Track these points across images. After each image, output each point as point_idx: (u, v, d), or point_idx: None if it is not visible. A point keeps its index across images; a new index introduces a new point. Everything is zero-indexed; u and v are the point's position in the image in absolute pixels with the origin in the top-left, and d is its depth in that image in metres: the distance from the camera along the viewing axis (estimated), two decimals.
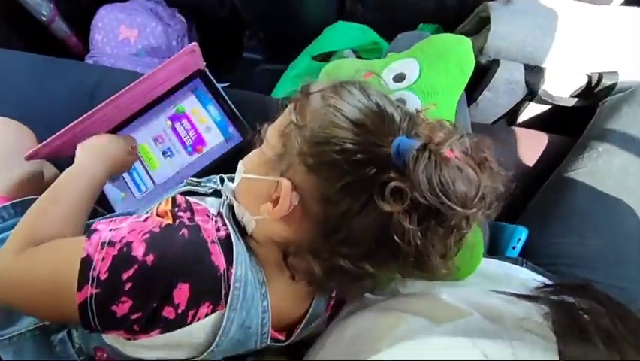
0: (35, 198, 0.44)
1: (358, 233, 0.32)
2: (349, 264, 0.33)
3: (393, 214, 0.30)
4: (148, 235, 0.34)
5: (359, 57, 0.80)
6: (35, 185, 0.55)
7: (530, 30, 0.64)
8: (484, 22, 0.67)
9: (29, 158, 0.54)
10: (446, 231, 0.32)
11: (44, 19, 0.86)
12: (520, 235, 0.57)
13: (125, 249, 0.33)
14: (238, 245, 0.37)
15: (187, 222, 0.36)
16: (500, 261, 0.52)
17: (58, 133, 0.54)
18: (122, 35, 0.91)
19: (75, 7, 0.94)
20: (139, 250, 0.33)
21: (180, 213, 0.37)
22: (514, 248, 0.57)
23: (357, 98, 0.34)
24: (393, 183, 0.29)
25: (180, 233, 0.35)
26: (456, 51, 0.55)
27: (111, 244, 0.34)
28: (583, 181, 0.57)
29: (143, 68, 0.90)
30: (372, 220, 0.31)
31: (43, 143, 0.54)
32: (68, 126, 0.53)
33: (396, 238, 0.30)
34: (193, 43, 0.63)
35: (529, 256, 0.53)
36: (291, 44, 0.86)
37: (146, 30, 0.90)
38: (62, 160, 0.58)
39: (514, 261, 0.53)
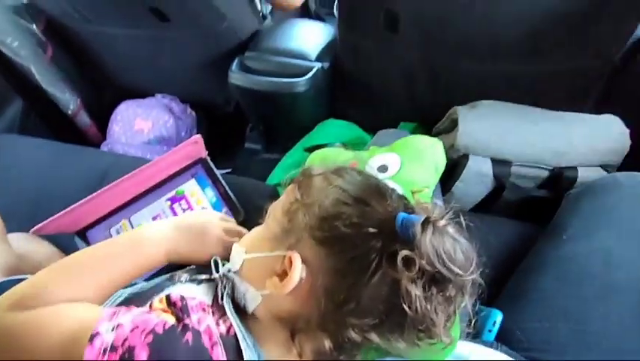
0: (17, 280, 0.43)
1: (367, 302, 0.34)
2: (358, 335, 0.35)
3: (401, 282, 0.33)
4: (151, 338, 0.33)
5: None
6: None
7: (494, 130, 0.72)
8: (455, 123, 0.76)
9: (36, 232, 0.59)
10: (446, 299, 0.35)
11: (70, 112, 0.98)
12: (495, 318, 0.58)
13: (127, 355, 0.32)
14: (244, 343, 0.36)
15: (190, 325, 0.35)
16: (476, 344, 0.53)
17: (65, 210, 0.60)
18: (137, 126, 1.02)
19: (99, 102, 1.07)
20: (141, 356, 0.32)
21: (179, 314, 0.36)
22: (490, 331, 0.58)
23: (357, 178, 0.39)
24: (404, 252, 0.33)
25: (184, 340, 0.33)
26: (430, 152, 0.64)
27: (113, 349, 0.32)
28: (551, 267, 0.60)
29: (152, 155, 1.00)
30: (380, 289, 0.34)
31: (50, 218, 0.59)
32: (75, 205, 0.59)
33: (404, 305, 0.33)
34: (197, 135, 0.72)
35: (503, 340, 0.55)
36: (287, 137, 0.96)
37: (159, 123, 1.01)
38: (64, 237, 0.63)
39: (489, 344, 0.54)
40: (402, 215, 0.35)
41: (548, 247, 0.63)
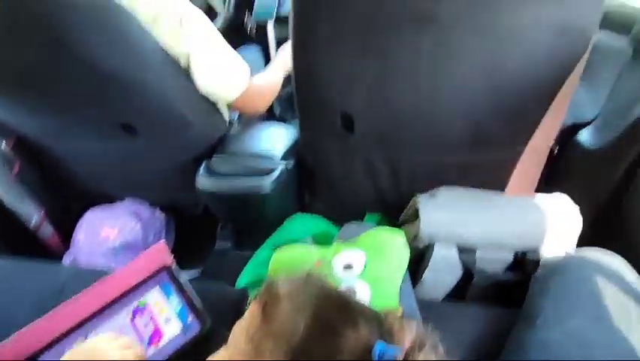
0: None
1: None
2: None
3: None
4: None
5: (317, 242, 0.90)
6: None
7: (455, 217, 0.75)
8: (418, 212, 0.79)
9: None
10: None
11: (32, 225, 0.96)
12: None
13: None
14: None
15: None
16: None
17: (11, 337, 0.55)
18: (103, 234, 1.00)
19: (65, 211, 1.06)
20: None
21: None
22: None
23: (327, 298, 0.37)
24: None
25: None
26: (393, 245, 0.65)
27: None
28: (531, 355, 0.58)
29: (118, 263, 0.97)
30: None
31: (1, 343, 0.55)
32: (24, 329, 0.55)
33: None
34: (161, 242, 0.71)
35: None
36: (257, 234, 0.96)
37: (125, 229, 1.00)
38: None
39: None
40: (379, 346, 0.33)
41: (525, 334, 0.62)
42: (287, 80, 1.04)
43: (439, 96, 0.72)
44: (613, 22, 0.85)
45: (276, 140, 0.96)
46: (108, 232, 1.00)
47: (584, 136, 0.82)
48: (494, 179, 0.84)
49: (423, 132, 0.79)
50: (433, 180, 0.83)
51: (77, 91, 0.76)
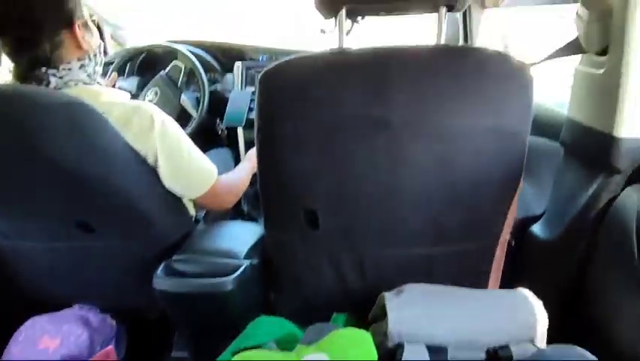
0: None
1: None
2: None
3: None
4: None
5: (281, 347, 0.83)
6: None
7: (423, 315, 0.73)
8: (385, 311, 0.76)
9: None
10: None
11: None
12: None
13: None
14: None
15: None
16: None
17: None
18: (42, 345, 0.89)
19: (4, 321, 0.95)
20: None
21: None
22: None
23: None
24: None
25: None
26: (358, 346, 0.62)
27: None
28: None
29: None
30: None
31: None
32: None
33: None
34: (109, 348, 0.64)
35: None
36: (217, 342, 0.89)
37: (69, 338, 0.90)
38: None
39: None
40: None
41: None
42: (255, 178, 1.07)
43: (399, 191, 0.76)
44: (542, 128, 0.97)
45: (240, 238, 0.95)
46: (48, 342, 0.90)
47: (537, 230, 0.87)
48: (460, 272, 0.85)
49: (387, 226, 0.81)
50: (400, 274, 0.82)
51: (35, 188, 0.75)
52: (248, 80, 1.66)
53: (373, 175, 0.75)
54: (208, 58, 1.71)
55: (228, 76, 1.73)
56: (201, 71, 1.53)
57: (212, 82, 1.67)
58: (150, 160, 0.84)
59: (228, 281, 0.82)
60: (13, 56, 0.82)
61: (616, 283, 0.71)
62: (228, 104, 1.56)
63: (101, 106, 0.78)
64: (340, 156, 0.74)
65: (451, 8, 0.72)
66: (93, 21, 0.88)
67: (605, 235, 0.73)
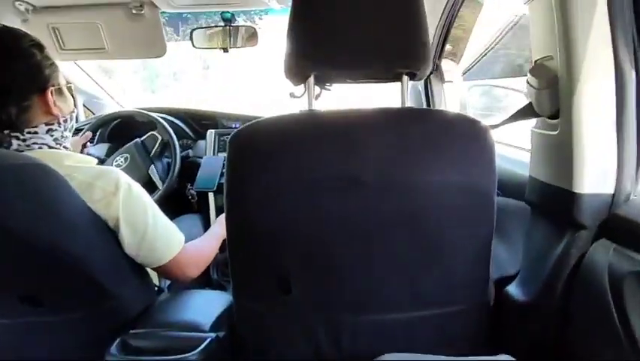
0: None
1: None
2: None
3: None
4: None
5: None
6: None
7: None
8: None
9: None
10: None
11: None
12: None
13: None
14: None
15: None
16: None
17: None
18: None
19: None
20: None
21: None
22: None
23: None
24: None
25: None
26: None
27: None
28: None
29: None
30: None
31: None
32: None
33: None
34: None
35: None
36: None
37: None
38: None
39: None
40: None
41: None
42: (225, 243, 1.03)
43: (374, 253, 0.74)
44: (508, 189, 1.00)
45: (206, 308, 0.88)
46: None
47: (512, 290, 0.85)
48: (441, 338, 0.81)
49: (361, 289, 0.77)
50: (378, 342, 0.78)
51: None
52: (220, 147, 1.67)
53: (347, 236, 0.74)
54: (182, 125, 1.73)
55: (200, 142, 1.74)
56: (176, 142, 1.53)
57: (184, 148, 1.67)
58: (111, 225, 0.79)
59: (191, 358, 0.74)
60: None
61: (595, 343, 0.69)
62: (200, 169, 1.55)
63: (65, 169, 0.75)
64: (312, 216, 0.72)
65: (412, 77, 0.76)
66: (69, 88, 0.88)
67: (580, 293, 0.72)
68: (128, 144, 1.54)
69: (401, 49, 0.72)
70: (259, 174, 0.71)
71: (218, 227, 1.12)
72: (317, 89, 0.81)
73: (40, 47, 0.82)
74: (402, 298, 0.78)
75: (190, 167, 1.61)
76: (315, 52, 0.72)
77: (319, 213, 0.72)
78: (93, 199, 0.77)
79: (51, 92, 0.82)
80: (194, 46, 1.52)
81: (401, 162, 0.69)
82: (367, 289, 0.78)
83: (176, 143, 1.53)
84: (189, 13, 1.59)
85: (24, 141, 0.80)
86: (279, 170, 0.70)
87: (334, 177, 0.69)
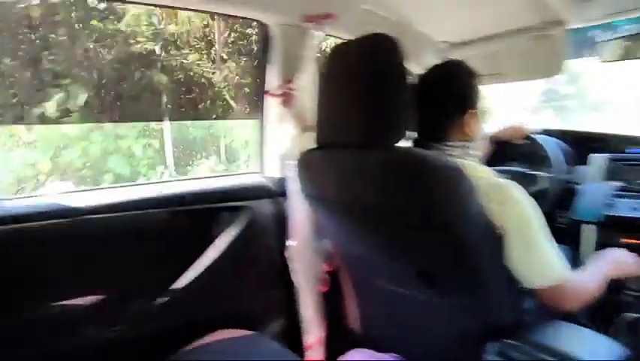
0: None
1: None
2: None
3: None
4: None
5: None
6: None
7: None
8: None
9: None
10: None
11: None
12: None
13: None
14: None
15: None
16: None
17: None
18: None
19: None
20: None
21: None
22: None
23: None
24: None
25: None
26: None
27: None
28: None
29: None
30: None
31: None
32: None
33: None
34: None
35: None
36: None
37: None
38: None
39: None
40: None
41: None
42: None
43: None
44: None
45: (581, 346, 0.81)
46: None
47: None
48: None
49: None
50: None
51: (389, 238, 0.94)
52: (609, 174, 1.45)
53: None
54: (563, 146, 1.62)
55: (580, 167, 1.57)
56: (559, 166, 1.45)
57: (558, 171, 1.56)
58: (498, 231, 0.85)
59: None
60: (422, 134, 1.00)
61: None
62: (581, 196, 1.41)
63: (471, 178, 0.86)
64: None
65: None
66: (484, 111, 1.01)
67: None
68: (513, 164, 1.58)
69: None
70: None
71: (605, 265, 0.99)
72: None
73: (472, 74, 0.97)
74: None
75: (565, 192, 1.49)
76: None
77: None
78: (488, 206, 0.85)
79: (470, 115, 0.95)
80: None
81: None
82: None
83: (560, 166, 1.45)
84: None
85: (443, 152, 0.96)
86: None
87: None
